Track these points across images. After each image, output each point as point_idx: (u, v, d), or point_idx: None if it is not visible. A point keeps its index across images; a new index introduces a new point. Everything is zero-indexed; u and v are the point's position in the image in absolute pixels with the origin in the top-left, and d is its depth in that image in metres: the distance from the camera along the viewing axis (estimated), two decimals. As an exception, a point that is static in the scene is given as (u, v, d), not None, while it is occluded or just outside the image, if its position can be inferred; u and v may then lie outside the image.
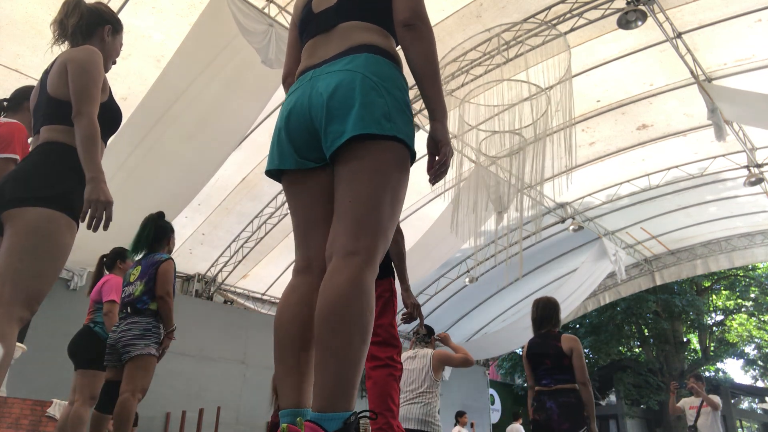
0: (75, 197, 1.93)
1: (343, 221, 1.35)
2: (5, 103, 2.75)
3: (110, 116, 2.14)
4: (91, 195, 1.86)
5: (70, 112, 1.97)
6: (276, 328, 1.41)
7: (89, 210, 1.86)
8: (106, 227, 1.90)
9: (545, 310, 4.03)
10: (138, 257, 3.77)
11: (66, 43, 2.16)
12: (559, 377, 3.80)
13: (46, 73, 2.12)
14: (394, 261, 2.84)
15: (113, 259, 4.18)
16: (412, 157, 1.46)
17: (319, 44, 1.51)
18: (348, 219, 1.34)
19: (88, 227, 1.87)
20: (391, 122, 1.36)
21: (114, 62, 2.30)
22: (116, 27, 2.26)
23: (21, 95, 2.74)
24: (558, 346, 3.84)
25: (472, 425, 12.82)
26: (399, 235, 2.89)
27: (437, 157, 1.49)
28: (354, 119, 1.34)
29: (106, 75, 2.15)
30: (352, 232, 1.32)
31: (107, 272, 4.15)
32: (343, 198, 1.36)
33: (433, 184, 1.57)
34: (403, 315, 2.84)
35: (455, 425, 10.83)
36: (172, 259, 3.66)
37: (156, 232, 3.71)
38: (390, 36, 1.51)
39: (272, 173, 1.54)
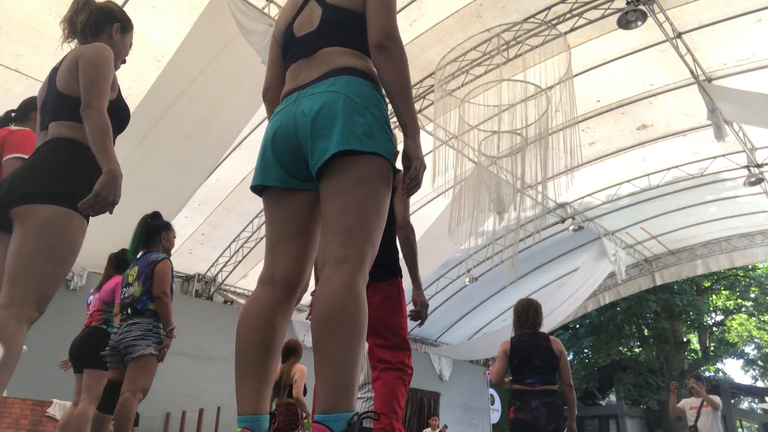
0: (85, 194, 1.89)
1: (331, 231, 1.42)
2: (13, 114, 2.82)
3: (118, 114, 2.12)
4: (102, 189, 1.79)
5: (80, 108, 1.94)
6: (237, 336, 1.47)
7: (92, 199, 1.78)
8: (95, 216, 1.86)
9: (537, 312, 4.08)
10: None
11: (75, 40, 2.16)
12: (546, 378, 3.83)
13: (55, 69, 2.10)
14: (405, 259, 2.83)
15: (125, 260, 4.13)
16: (394, 170, 1.54)
17: (302, 68, 1.59)
18: (336, 229, 1.41)
19: (81, 209, 1.80)
20: (372, 139, 1.44)
21: (124, 61, 2.30)
22: (125, 25, 2.27)
23: (28, 106, 2.78)
24: (549, 347, 3.88)
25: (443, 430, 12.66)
26: (411, 233, 2.87)
27: (408, 171, 1.55)
28: (337, 137, 1.41)
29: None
30: (341, 241, 1.39)
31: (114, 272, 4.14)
32: (330, 210, 1.44)
33: (407, 197, 1.64)
34: (411, 312, 2.83)
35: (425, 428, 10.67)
36: (168, 258, 3.64)
37: (147, 233, 3.69)
38: (367, 58, 1.58)
39: (256, 188, 1.61)
